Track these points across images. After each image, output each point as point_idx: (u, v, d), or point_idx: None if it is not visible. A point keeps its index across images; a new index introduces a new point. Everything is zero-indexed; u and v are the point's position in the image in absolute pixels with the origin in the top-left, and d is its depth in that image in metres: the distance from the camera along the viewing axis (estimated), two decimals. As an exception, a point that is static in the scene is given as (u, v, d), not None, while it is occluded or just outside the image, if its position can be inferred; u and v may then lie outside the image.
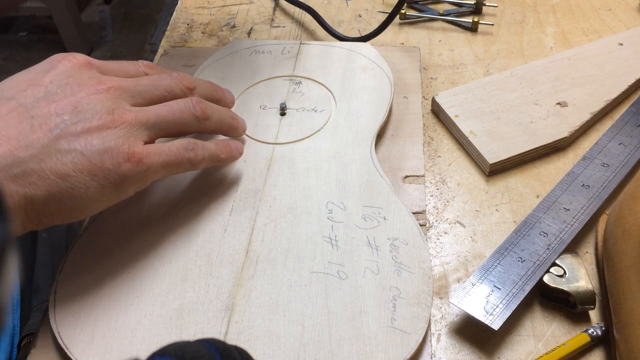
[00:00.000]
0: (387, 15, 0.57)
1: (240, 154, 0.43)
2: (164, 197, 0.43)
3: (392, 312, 0.35)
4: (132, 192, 0.36)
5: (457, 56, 0.57)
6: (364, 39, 0.56)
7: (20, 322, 0.52)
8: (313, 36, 0.60)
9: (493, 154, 0.46)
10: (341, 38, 0.58)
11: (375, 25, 0.62)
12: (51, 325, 0.36)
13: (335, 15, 0.63)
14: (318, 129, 0.47)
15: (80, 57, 0.37)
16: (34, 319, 0.52)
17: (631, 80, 0.51)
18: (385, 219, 0.40)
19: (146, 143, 0.36)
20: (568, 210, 0.41)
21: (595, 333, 0.36)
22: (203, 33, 0.62)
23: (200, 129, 0.40)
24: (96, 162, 0.33)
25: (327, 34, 0.59)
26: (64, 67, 0.36)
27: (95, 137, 0.34)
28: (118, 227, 0.41)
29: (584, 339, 0.36)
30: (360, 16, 0.63)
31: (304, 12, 0.63)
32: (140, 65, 0.41)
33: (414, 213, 0.42)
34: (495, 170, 0.46)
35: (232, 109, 0.47)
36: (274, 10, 0.64)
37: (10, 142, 0.32)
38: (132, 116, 0.36)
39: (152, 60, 0.58)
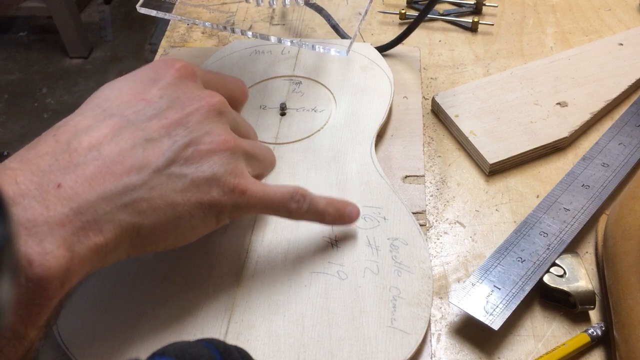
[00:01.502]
0: (388, 14, 0.57)
1: (352, 220, 0.38)
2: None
3: (392, 312, 0.35)
4: (227, 222, 0.34)
5: (457, 56, 0.57)
6: (383, 48, 0.55)
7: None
8: (313, 35, 0.60)
9: (493, 154, 0.46)
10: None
11: (375, 26, 0.62)
12: (51, 326, 0.36)
13: (335, 14, 0.63)
14: (318, 129, 0.47)
15: (187, 66, 0.35)
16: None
17: (631, 80, 0.51)
18: (385, 219, 0.40)
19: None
20: (568, 210, 0.41)
21: (595, 333, 0.36)
22: (203, 33, 0.62)
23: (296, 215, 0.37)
24: (204, 189, 0.32)
25: (327, 33, 0.59)
26: (172, 78, 0.34)
27: (205, 162, 0.32)
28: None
29: (584, 339, 0.36)
30: (360, 14, 0.63)
31: (303, 10, 0.63)
32: (239, 83, 0.40)
33: (414, 213, 0.42)
34: (495, 170, 0.46)
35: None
36: (274, 8, 0.64)
37: (123, 166, 0.29)
38: (242, 143, 0.34)
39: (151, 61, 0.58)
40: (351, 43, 0.44)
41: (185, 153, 0.31)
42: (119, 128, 0.31)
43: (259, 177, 0.37)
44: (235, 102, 0.39)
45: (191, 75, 0.35)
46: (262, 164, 0.37)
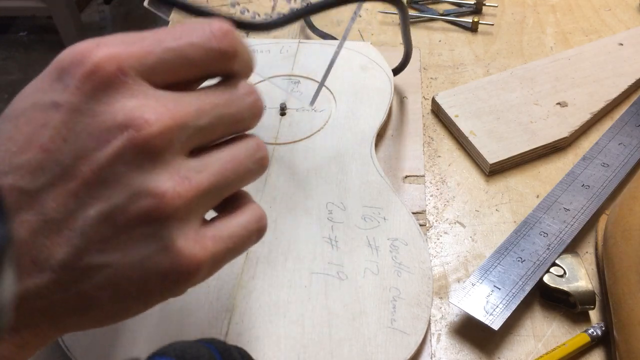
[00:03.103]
0: (388, 14, 0.57)
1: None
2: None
3: (392, 312, 0.35)
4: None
5: (457, 56, 0.57)
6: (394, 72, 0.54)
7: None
8: (311, 35, 0.60)
9: (493, 154, 0.46)
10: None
11: (375, 26, 0.62)
12: (51, 326, 0.36)
13: (335, 14, 0.63)
14: (318, 129, 0.47)
15: (102, 65, 0.22)
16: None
17: (631, 80, 0.51)
18: (385, 219, 0.40)
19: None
20: (568, 210, 0.41)
21: (595, 333, 0.36)
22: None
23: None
24: (137, 280, 0.23)
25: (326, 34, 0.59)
26: (77, 94, 0.22)
27: (136, 242, 0.22)
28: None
29: (584, 339, 0.36)
30: (360, 16, 0.63)
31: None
32: (213, 40, 0.24)
33: (414, 213, 0.42)
34: (495, 170, 0.46)
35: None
36: (273, 9, 0.64)
37: (21, 266, 0.22)
38: (191, 190, 0.23)
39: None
40: (317, 91, 0.44)
41: (102, 233, 0.22)
42: (14, 204, 0.21)
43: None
44: (217, 69, 0.25)
45: (112, 79, 0.22)
46: (231, 189, 0.27)
